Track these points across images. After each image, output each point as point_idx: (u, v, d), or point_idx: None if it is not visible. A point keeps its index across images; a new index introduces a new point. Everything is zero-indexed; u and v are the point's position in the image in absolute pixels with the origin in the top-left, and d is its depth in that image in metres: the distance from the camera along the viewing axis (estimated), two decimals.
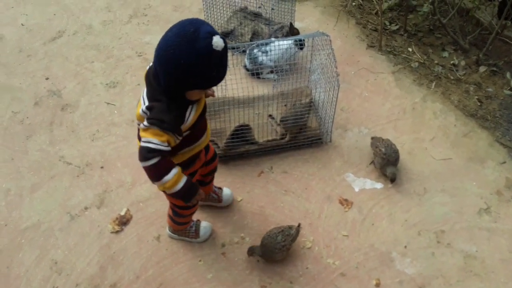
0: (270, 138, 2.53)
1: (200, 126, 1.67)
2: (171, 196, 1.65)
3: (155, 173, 1.53)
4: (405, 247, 2.17)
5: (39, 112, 2.79)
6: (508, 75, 3.03)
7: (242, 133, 2.43)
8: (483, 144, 2.60)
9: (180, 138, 1.56)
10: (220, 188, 2.26)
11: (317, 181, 2.44)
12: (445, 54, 3.24)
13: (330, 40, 2.40)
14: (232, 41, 3.24)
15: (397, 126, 2.72)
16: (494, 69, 3.08)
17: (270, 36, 3.20)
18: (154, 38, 3.34)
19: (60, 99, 2.87)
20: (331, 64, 2.39)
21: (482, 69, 3.10)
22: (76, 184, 2.39)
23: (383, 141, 2.45)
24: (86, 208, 2.29)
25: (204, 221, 2.17)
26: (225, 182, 2.39)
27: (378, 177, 2.45)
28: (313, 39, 2.68)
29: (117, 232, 2.19)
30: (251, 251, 2.03)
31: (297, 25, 3.42)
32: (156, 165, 1.51)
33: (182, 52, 1.36)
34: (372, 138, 2.54)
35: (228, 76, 2.54)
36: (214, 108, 2.50)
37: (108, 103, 2.83)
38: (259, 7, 3.53)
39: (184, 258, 2.10)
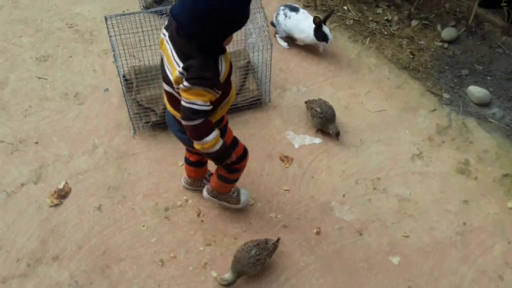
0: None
1: (229, 77, 1.65)
2: (205, 155, 1.68)
3: (197, 134, 1.57)
4: (343, 195, 2.27)
5: None
6: (438, 27, 3.15)
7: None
8: (415, 94, 2.73)
9: (220, 92, 1.55)
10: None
11: (258, 141, 2.49)
12: (379, 10, 3.32)
13: (261, 2, 2.41)
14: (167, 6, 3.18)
15: (334, 83, 2.80)
16: (426, 22, 3.20)
17: None
18: (85, 8, 3.23)
19: None
20: (263, 23, 2.41)
21: (414, 23, 3.20)
22: (10, 161, 2.34)
23: (316, 102, 2.52)
24: (22, 185, 2.25)
25: (243, 188, 2.16)
26: (166, 148, 2.41)
27: (316, 133, 2.53)
28: None
29: (56, 205, 2.17)
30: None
31: None
32: (199, 126, 1.54)
33: (221, 2, 1.37)
34: (306, 102, 2.61)
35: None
36: (150, 73, 2.47)
37: (39, 78, 2.75)
38: None
39: (127, 225, 2.11)
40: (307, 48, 3.00)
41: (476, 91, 2.65)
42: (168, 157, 2.37)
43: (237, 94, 2.61)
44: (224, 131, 1.83)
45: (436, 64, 2.92)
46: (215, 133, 1.60)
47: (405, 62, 2.93)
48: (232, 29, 1.47)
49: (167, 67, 1.57)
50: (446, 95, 2.71)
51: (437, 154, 2.44)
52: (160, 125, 2.46)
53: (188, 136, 1.61)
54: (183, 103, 1.52)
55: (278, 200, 2.25)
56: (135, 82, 2.56)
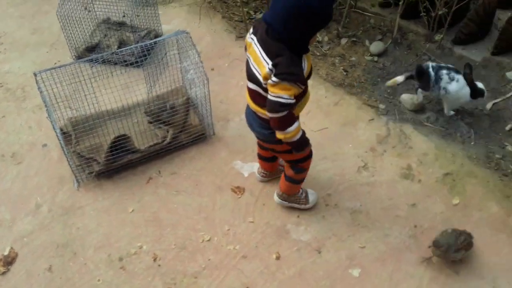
0: (152, 143, 2.57)
1: (309, 76, 1.86)
2: (288, 144, 1.88)
3: (282, 124, 1.78)
4: (298, 216, 2.34)
5: None
6: (366, 42, 3.35)
7: (121, 144, 2.45)
8: (352, 109, 2.88)
9: (303, 87, 1.75)
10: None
11: (207, 175, 2.53)
12: None
13: (190, 37, 2.50)
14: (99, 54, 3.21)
15: None
16: (354, 39, 3.40)
17: (137, 43, 3.23)
18: (14, 65, 3.21)
19: None
20: (196, 59, 2.49)
21: (343, 41, 3.40)
22: None
23: None
24: None
25: (310, 189, 2.36)
26: (113, 196, 2.40)
27: None
28: (177, 40, 2.76)
29: (3, 273, 2.10)
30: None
31: (164, 28, 3.49)
32: (284, 117, 1.74)
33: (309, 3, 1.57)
34: None
35: (98, 88, 2.55)
36: (88, 123, 2.48)
37: None
38: (123, 16, 3.54)
39: (81, 282, 2.08)
40: (245, 78, 3.10)
41: (408, 98, 2.83)
42: (116, 205, 2.37)
43: (181, 131, 2.66)
44: None
45: (368, 77, 3.09)
46: (297, 123, 1.81)
47: (339, 79, 3.09)
48: (318, 26, 1.66)
49: (254, 67, 1.79)
50: (381, 106, 2.87)
51: (381, 163, 2.57)
52: (104, 174, 2.45)
53: (273, 127, 1.82)
54: (270, 97, 1.72)
55: (234, 231, 2.28)
56: (73, 134, 2.56)
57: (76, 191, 2.43)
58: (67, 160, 2.40)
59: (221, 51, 3.35)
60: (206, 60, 3.18)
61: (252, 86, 1.86)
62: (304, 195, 2.33)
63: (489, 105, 2.78)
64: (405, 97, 2.84)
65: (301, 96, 1.86)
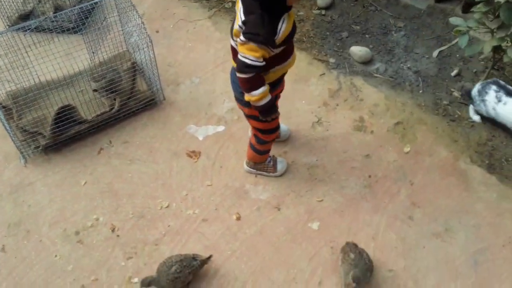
0: (99, 112, 2.50)
1: (290, 42, 1.80)
2: (254, 108, 1.85)
3: (247, 86, 1.75)
4: (256, 176, 2.37)
5: None
6: None
7: (67, 115, 2.36)
8: (303, 65, 2.89)
9: (274, 51, 1.70)
10: None
11: (161, 142, 2.50)
12: None
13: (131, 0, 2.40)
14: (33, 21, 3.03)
15: (226, 68, 2.87)
16: None
17: (73, 7, 3.07)
18: None
19: None
20: (138, 21, 2.40)
21: None
22: None
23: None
24: None
25: (279, 157, 2.35)
26: (64, 170, 2.34)
27: (218, 121, 2.59)
28: (115, 2, 2.65)
29: None
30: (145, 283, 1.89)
31: None
32: (249, 79, 1.71)
33: None
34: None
35: (36, 58, 2.43)
36: (29, 95, 2.37)
37: None
38: None
39: (38, 260, 2.04)
40: (193, 39, 3.04)
41: (357, 50, 2.87)
42: (68, 179, 2.31)
43: (129, 98, 2.59)
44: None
45: (317, 32, 3.10)
46: (263, 88, 1.76)
47: None
48: None
49: (234, 22, 1.75)
50: (332, 60, 2.90)
51: (334, 117, 2.62)
52: (52, 148, 2.38)
53: (240, 87, 1.79)
54: (238, 56, 1.69)
55: (192, 196, 2.29)
56: (14, 108, 2.44)
57: (23, 168, 2.34)
58: (10, 136, 2.30)
59: (165, 12, 3.24)
60: (149, 22, 3.09)
61: (231, 42, 1.82)
62: (272, 163, 2.33)
63: (435, 53, 2.87)
64: (354, 49, 2.88)
65: (276, 63, 1.81)
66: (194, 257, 1.96)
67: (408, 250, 2.13)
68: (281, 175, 2.35)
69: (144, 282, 1.88)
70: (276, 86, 1.98)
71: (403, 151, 2.47)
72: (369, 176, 2.38)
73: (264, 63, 1.70)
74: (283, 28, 1.67)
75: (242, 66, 1.70)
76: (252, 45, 1.64)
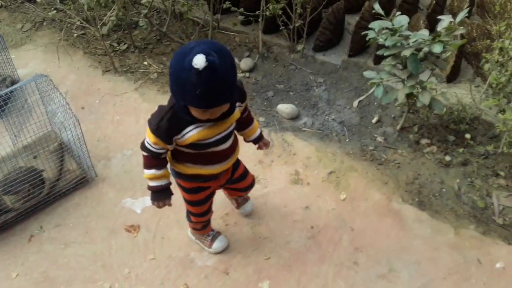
0: (27, 198, 2.42)
1: (212, 152, 1.80)
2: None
3: (143, 162, 1.82)
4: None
5: None
6: (236, 60, 3.52)
7: None
8: None
9: (169, 147, 1.74)
10: (246, 200, 2.46)
11: (96, 220, 2.45)
12: None
13: (51, 80, 2.42)
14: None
15: None
16: None
17: None
18: None
19: None
20: (61, 101, 2.41)
21: None
22: None
23: None
24: None
25: (222, 236, 2.32)
26: None
27: None
28: (36, 85, 2.65)
29: None
30: None
31: (20, 72, 3.32)
32: (144, 157, 1.81)
33: (174, 63, 1.48)
34: None
35: None
36: None
37: None
38: None
39: None
40: (121, 112, 3.07)
41: (284, 108, 3.04)
42: None
43: (58, 179, 2.54)
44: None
45: None
46: (153, 171, 1.82)
47: None
48: (189, 102, 1.54)
49: None
50: (261, 119, 3.04)
51: (270, 173, 2.72)
52: None
53: None
54: None
55: (136, 273, 2.24)
56: None
57: None
58: None
59: (90, 87, 3.27)
60: (74, 99, 3.11)
61: None
62: (210, 238, 2.31)
63: (355, 103, 3.11)
64: (281, 107, 3.05)
65: (191, 159, 1.82)
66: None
67: None
68: (216, 253, 2.32)
69: None
70: (199, 180, 1.95)
71: (340, 199, 2.59)
72: (312, 227, 2.46)
73: (161, 151, 1.75)
74: (190, 134, 1.69)
75: (141, 144, 1.79)
76: (149, 129, 1.70)
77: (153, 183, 1.85)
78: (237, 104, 1.80)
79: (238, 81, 1.73)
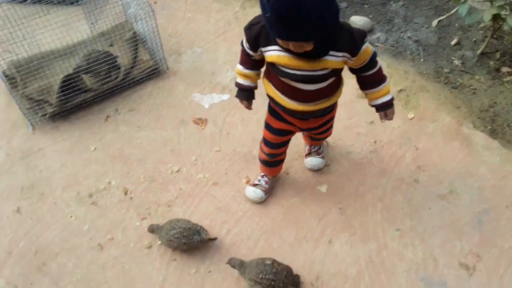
0: (104, 80, 2.56)
1: (293, 87, 1.72)
2: None
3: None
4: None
5: None
6: None
7: (72, 84, 2.43)
8: None
9: (254, 54, 1.75)
10: (319, 154, 2.36)
11: (168, 109, 2.58)
12: None
13: None
14: None
15: (227, 37, 2.96)
16: None
17: None
18: None
19: None
20: None
21: None
22: None
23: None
24: None
25: (263, 193, 2.21)
26: (73, 137, 2.41)
27: (223, 90, 2.69)
28: None
29: None
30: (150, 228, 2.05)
31: None
32: (241, 52, 1.82)
33: None
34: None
35: (35, 28, 2.48)
36: (33, 63, 2.42)
37: None
38: None
39: (54, 220, 2.12)
40: (192, 9, 3.12)
41: (357, 20, 2.98)
42: (77, 145, 2.39)
43: (132, 67, 2.66)
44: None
45: None
46: (239, 67, 1.85)
47: None
48: (264, 16, 1.45)
49: None
50: None
51: None
52: (59, 115, 2.45)
53: None
54: None
55: (202, 161, 2.39)
56: (18, 76, 2.49)
57: (32, 134, 2.41)
58: (17, 103, 2.36)
59: None
60: None
61: None
62: (256, 180, 2.25)
63: (434, 22, 3.00)
64: (355, 19, 2.98)
65: (268, 75, 1.82)
66: (199, 232, 2.00)
67: (415, 211, 2.24)
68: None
69: (150, 227, 2.05)
70: (279, 107, 1.87)
71: (407, 117, 2.59)
72: (375, 142, 2.50)
73: (248, 51, 1.76)
74: (274, 53, 1.63)
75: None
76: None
77: (238, 79, 1.90)
78: (339, 53, 1.62)
79: (355, 29, 1.59)
